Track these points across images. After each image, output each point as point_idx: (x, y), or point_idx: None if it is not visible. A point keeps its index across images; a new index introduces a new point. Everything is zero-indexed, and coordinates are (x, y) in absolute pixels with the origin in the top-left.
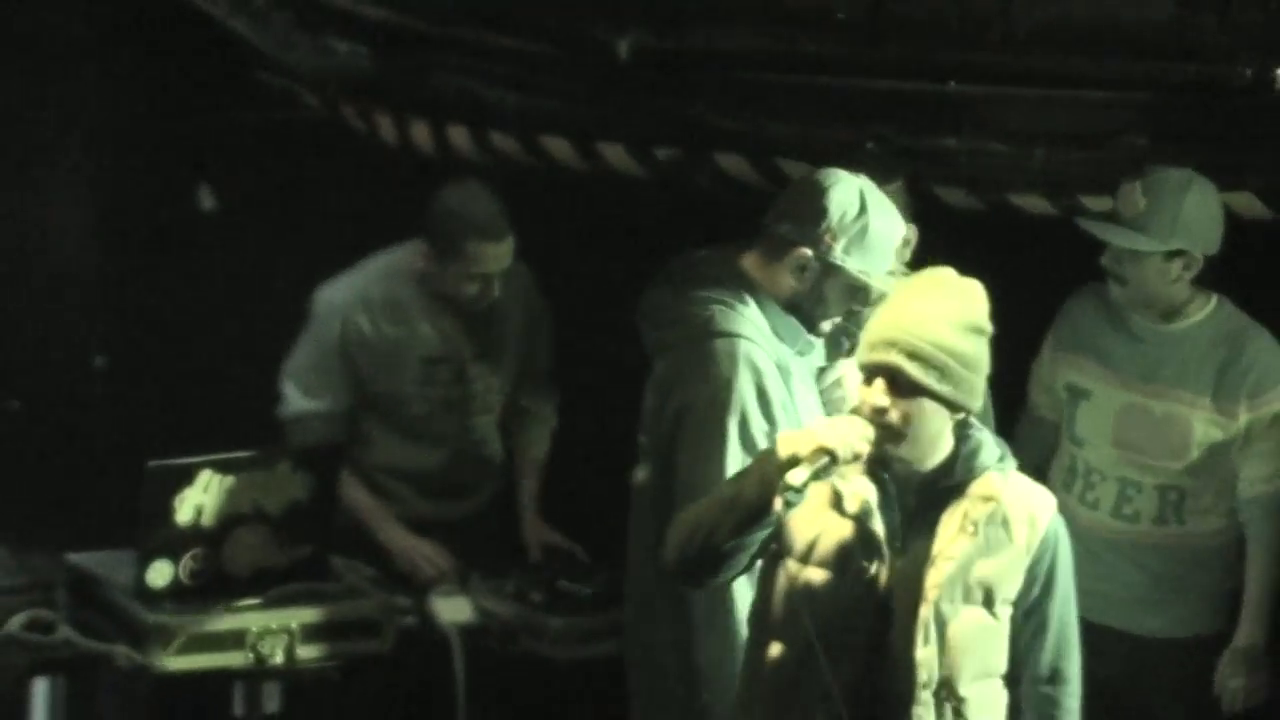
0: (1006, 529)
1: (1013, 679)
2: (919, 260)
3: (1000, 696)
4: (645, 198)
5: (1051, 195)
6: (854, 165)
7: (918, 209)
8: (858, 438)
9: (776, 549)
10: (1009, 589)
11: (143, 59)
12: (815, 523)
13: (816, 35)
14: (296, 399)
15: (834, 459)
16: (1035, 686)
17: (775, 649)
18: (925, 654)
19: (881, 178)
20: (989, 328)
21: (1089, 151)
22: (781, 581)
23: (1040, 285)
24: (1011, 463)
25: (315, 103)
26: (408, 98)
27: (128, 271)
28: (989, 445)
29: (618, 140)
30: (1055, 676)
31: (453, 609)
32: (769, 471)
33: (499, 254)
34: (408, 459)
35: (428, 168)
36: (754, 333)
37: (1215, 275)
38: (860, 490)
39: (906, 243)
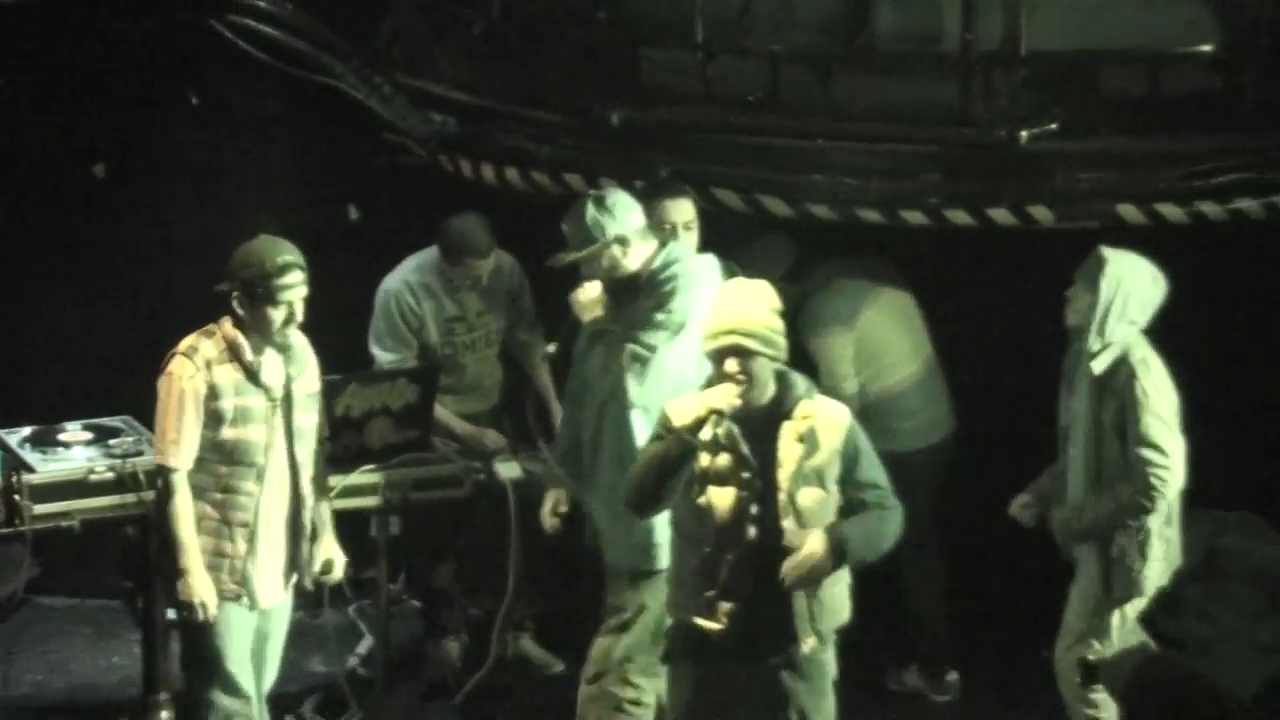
0: (820, 434)
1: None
2: (799, 261)
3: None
4: None
5: (882, 211)
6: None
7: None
8: (730, 396)
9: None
10: (832, 471)
11: (312, 122)
12: (704, 458)
13: (734, 111)
14: (380, 355)
15: (721, 414)
16: (862, 494)
17: (692, 550)
18: (789, 524)
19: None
20: (781, 306)
21: (904, 183)
22: (690, 502)
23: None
24: (815, 391)
25: (421, 153)
26: (479, 150)
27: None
28: (799, 382)
29: (612, 177)
30: (874, 487)
31: (507, 469)
32: (681, 433)
33: (486, 265)
34: (448, 383)
35: (493, 194)
36: None
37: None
38: (730, 428)
39: (687, 225)
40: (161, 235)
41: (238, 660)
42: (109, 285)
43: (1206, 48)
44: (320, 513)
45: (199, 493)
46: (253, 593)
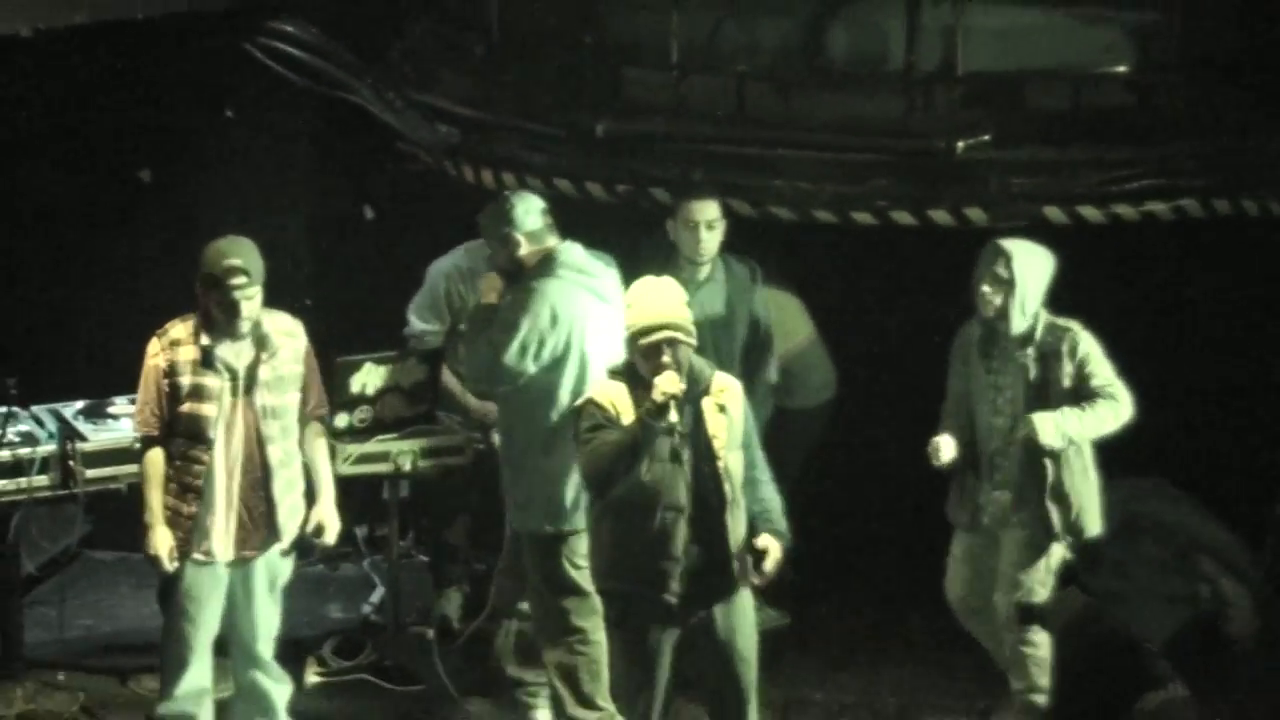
0: (730, 404)
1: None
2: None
3: None
4: (610, 214)
5: (836, 211)
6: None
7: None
8: (678, 382)
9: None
10: (738, 433)
11: (333, 132)
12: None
13: (705, 124)
14: (416, 323)
15: (678, 398)
16: (749, 454)
17: (637, 525)
18: (728, 486)
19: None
20: (686, 294)
21: (854, 187)
22: (636, 480)
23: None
24: (715, 368)
25: (429, 160)
26: (480, 157)
27: (325, 254)
28: (704, 362)
29: (597, 181)
30: (751, 448)
31: None
32: (639, 420)
33: None
34: None
35: (492, 196)
36: None
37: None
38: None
39: (710, 224)
40: (199, 229)
41: (191, 615)
42: (153, 273)
43: (1122, 69)
44: (321, 479)
45: (167, 459)
46: (208, 550)
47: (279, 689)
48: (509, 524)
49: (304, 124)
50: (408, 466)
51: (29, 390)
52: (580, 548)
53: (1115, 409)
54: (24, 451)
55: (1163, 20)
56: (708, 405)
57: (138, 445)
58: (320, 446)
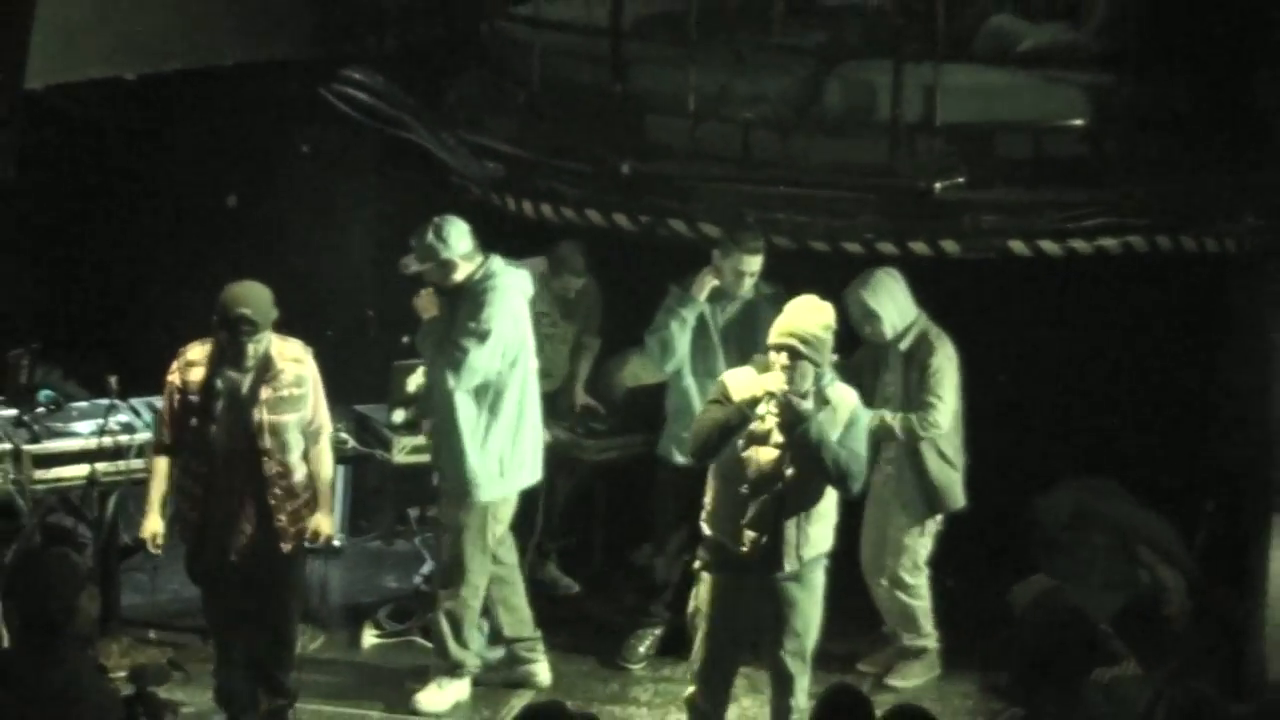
0: (837, 406)
1: None
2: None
3: None
4: (633, 241)
5: (830, 242)
6: (736, 227)
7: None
8: (780, 382)
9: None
10: (834, 427)
11: (394, 166)
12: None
13: (716, 164)
14: None
15: (771, 395)
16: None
17: (728, 490)
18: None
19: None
20: (834, 325)
21: (845, 221)
22: (735, 454)
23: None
24: (835, 379)
25: (478, 192)
26: (523, 190)
27: (384, 272)
28: (828, 376)
29: (623, 212)
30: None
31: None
32: (741, 405)
33: (578, 282)
34: None
35: (533, 224)
36: None
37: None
38: (774, 405)
39: (751, 274)
40: (278, 249)
41: (213, 609)
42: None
43: (1078, 122)
44: (320, 489)
45: (179, 468)
46: (202, 548)
47: (276, 706)
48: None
49: (369, 159)
50: None
51: (128, 385)
52: (501, 512)
53: (922, 422)
54: (123, 439)
55: (1114, 81)
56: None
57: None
58: (321, 458)
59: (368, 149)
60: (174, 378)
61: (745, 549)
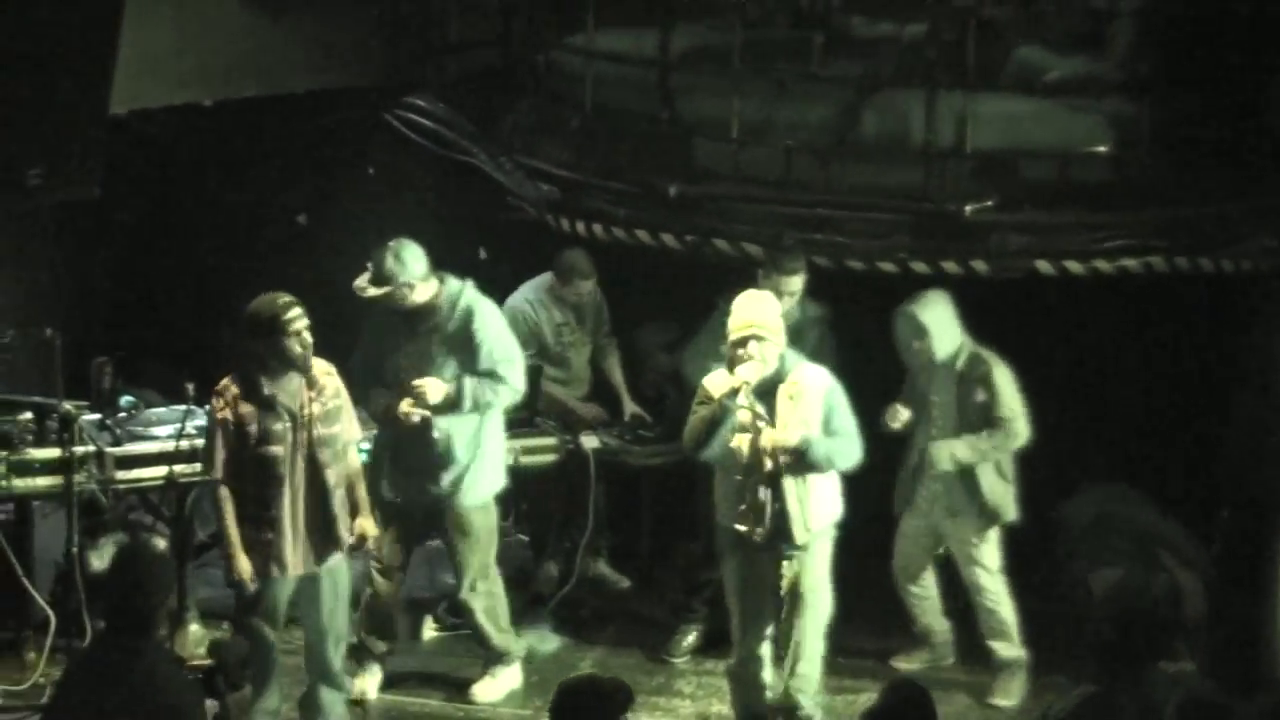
0: (805, 394)
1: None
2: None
3: None
4: (679, 260)
5: (866, 262)
6: (776, 249)
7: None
8: (752, 372)
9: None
10: (815, 417)
11: (454, 188)
12: (737, 414)
13: (759, 187)
14: None
15: (748, 384)
16: (834, 438)
17: (726, 477)
18: (783, 458)
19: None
20: (779, 309)
21: (880, 241)
22: (725, 445)
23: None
24: (798, 361)
25: (533, 212)
26: (575, 211)
27: None
28: (790, 357)
29: (669, 232)
30: (842, 432)
31: (589, 440)
32: (721, 398)
33: (588, 285)
34: (557, 373)
35: (584, 242)
36: None
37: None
38: (750, 393)
39: (792, 294)
40: (345, 267)
41: (270, 629)
42: (309, 297)
43: (1102, 148)
44: (360, 495)
45: (241, 496)
46: (284, 567)
47: (337, 700)
48: (403, 497)
49: (431, 180)
50: (510, 461)
51: (205, 391)
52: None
53: (1003, 443)
54: (199, 442)
55: (1136, 109)
56: (780, 392)
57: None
58: (355, 464)
59: (428, 171)
60: (226, 413)
61: (746, 529)
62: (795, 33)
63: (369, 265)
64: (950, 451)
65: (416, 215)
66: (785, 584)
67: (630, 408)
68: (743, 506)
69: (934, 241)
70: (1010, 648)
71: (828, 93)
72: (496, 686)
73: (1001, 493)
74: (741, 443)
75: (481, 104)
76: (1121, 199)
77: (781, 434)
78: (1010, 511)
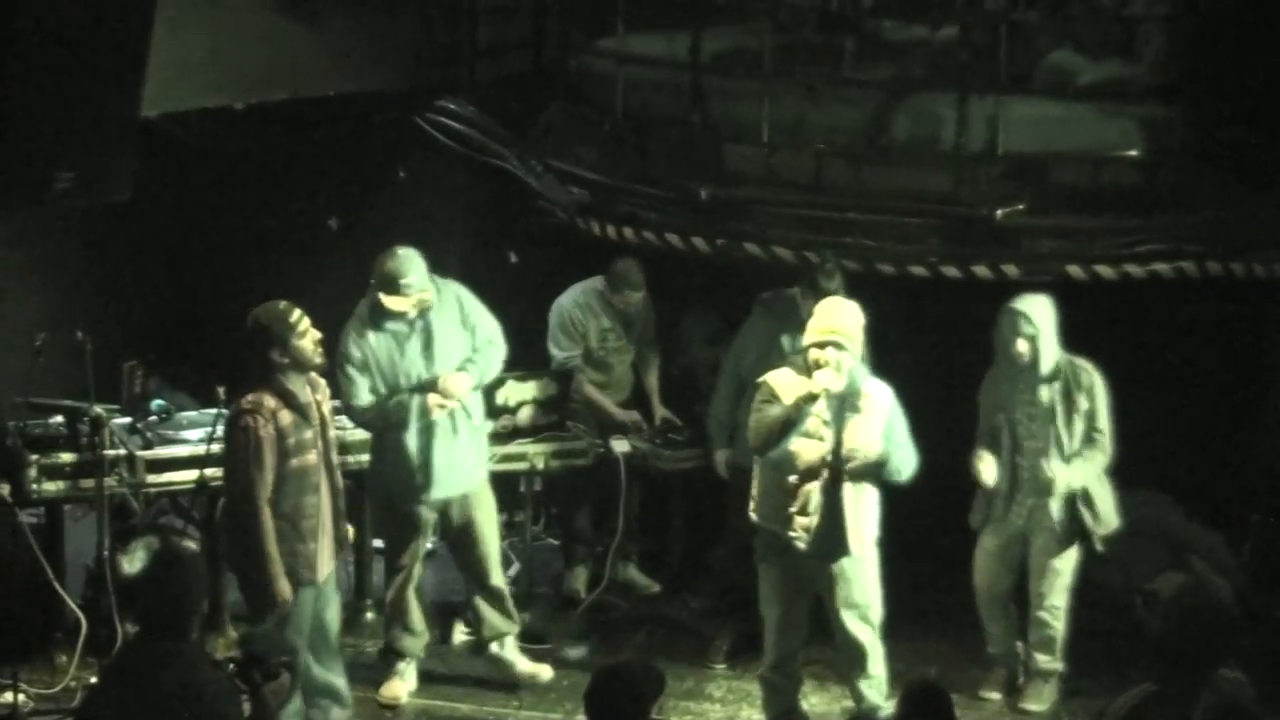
0: (873, 405)
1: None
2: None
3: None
4: (708, 264)
5: (897, 265)
6: (813, 269)
7: (844, 277)
8: (830, 379)
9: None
10: (880, 428)
11: (486, 192)
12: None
13: (790, 191)
14: (557, 352)
15: (828, 391)
16: (896, 450)
17: (778, 480)
18: (849, 468)
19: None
20: (863, 319)
21: (912, 246)
22: (784, 448)
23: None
24: (866, 373)
25: (564, 216)
26: (606, 215)
27: (476, 289)
28: (862, 370)
29: (700, 236)
30: (901, 445)
31: (620, 445)
32: (799, 401)
33: (638, 296)
34: (598, 377)
35: (614, 246)
36: None
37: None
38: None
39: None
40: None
41: (303, 635)
42: (340, 301)
43: (1133, 152)
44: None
45: (277, 511)
46: (317, 573)
47: (344, 684)
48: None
49: (462, 184)
50: (541, 465)
51: (234, 396)
52: None
53: (1102, 459)
54: None
55: (1167, 114)
56: (847, 402)
57: (245, 508)
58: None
59: (459, 175)
60: (266, 430)
61: (795, 534)
62: (826, 36)
63: (401, 284)
64: (1065, 477)
65: (447, 218)
66: (836, 594)
67: (660, 412)
68: (793, 510)
69: (965, 246)
70: (1052, 661)
71: (859, 97)
72: (522, 660)
73: (1106, 503)
74: (801, 448)
75: (513, 107)
76: (1153, 203)
77: (866, 442)
78: (1114, 521)
